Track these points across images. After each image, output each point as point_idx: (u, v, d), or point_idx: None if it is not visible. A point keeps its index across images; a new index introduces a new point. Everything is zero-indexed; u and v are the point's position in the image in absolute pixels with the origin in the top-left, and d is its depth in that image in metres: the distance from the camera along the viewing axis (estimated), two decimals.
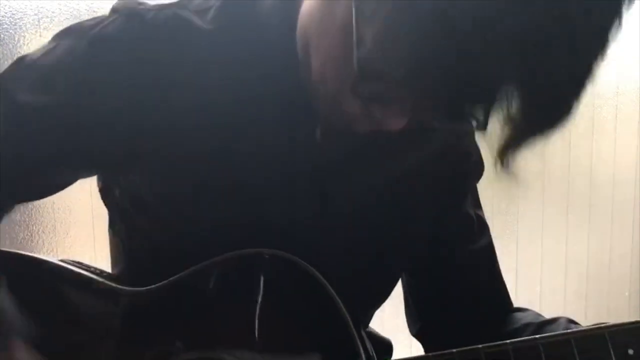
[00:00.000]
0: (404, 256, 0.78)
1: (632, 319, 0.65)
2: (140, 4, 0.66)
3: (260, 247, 0.66)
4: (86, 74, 0.63)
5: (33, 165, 0.65)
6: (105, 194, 0.74)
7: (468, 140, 0.80)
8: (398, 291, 0.88)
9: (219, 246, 0.66)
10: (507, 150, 0.54)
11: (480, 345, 0.62)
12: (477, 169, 0.82)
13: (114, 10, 0.66)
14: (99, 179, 0.74)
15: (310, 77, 0.61)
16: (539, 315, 0.83)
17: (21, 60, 0.66)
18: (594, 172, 2.36)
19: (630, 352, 0.61)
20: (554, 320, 0.79)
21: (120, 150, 0.66)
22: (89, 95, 0.63)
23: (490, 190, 2.26)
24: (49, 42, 0.66)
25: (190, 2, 0.66)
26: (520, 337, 0.78)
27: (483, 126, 0.53)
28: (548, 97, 0.50)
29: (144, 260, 0.72)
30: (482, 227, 0.84)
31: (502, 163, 0.55)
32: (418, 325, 0.87)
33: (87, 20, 0.67)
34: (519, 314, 0.84)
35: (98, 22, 0.65)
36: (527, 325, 0.80)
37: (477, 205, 0.84)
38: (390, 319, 0.96)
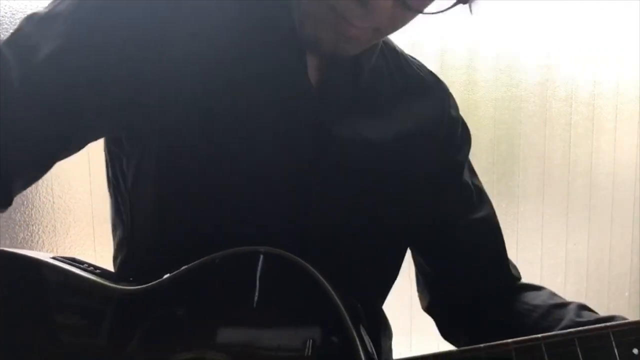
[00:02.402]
0: (405, 225, 0.78)
1: (633, 319, 0.64)
2: None
3: (258, 220, 0.66)
4: (97, 21, 0.63)
5: (49, 122, 0.64)
6: (113, 182, 0.74)
7: (455, 110, 0.82)
8: (398, 292, 0.87)
9: (217, 224, 0.66)
10: None
11: (482, 345, 0.62)
12: (467, 137, 0.84)
13: None
14: (106, 168, 0.74)
15: None
16: (553, 295, 0.83)
17: (31, 17, 0.65)
18: (594, 172, 2.36)
19: (635, 351, 0.60)
20: (564, 305, 0.79)
21: (129, 101, 0.66)
22: (100, 43, 0.63)
23: (490, 190, 2.26)
24: None
25: None
26: (527, 318, 0.79)
27: None
28: None
29: (147, 250, 0.71)
30: (481, 196, 0.85)
31: None
32: (428, 299, 0.87)
33: None
34: (531, 293, 0.84)
35: None
36: (537, 307, 0.80)
37: (474, 174, 0.86)
38: (390, 320, 0.96)
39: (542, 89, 2.19)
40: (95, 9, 0.64)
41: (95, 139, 0.71)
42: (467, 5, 0.62)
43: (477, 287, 0.83)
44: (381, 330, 0.82)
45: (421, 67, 0.81)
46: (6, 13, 1.27)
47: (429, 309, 0.88)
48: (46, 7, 0.66)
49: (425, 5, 0.63)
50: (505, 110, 2.12)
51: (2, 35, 1.27)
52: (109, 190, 0.76)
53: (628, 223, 2.49)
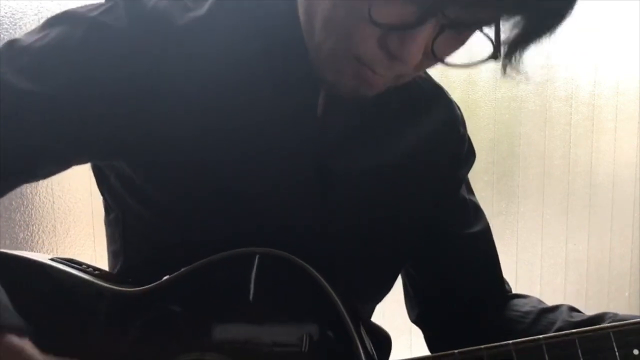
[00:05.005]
0: (403, 242, 0.78)
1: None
2: None
3: (258, 232, 0.66)
4: (82, 62, 0.61)
5: (24, 151, 0.62)
6: (101, 180, 0.73)
7: (463, 126, 0.81)
8: (398, 291, 0.88)
9: (216, 232, 0.66)
10: (515, 49, 0.58)
11: (482, 346, 0.62)
12: (471, 156, 0.83)
13: None
14: (93, 165, 0.73)
15: (313, 40, 0.61)
16: (540, 302, 0.83)
17: (13, 43, 0.63)
18: (594, 172, 2.37)
19: (636, 352, 0.60)
20: (554, 308, 0.80)
21: (114, 137, 0.64)
22: (85, 84, 0.62)
23: (490, 190, 2.27)
24: (42, 27, 0.64)
25: None
26: (520, 325, 0.79)
27: (496, 53, 0.58)
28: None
29: (141, 250, 0.71)
30: (477, 212, 0.85)
31: (510, 61, 0.59)
32: (417, 311, 0.87)
33: (82, 7, 0.65)
34: (520, 300, 0.84)
35: (95, 7, 0.64)
36: (528, 312, 0.81)
37: (470, 191, 0.86)
38: (390, 320, 0.96)
39: (542, 89, 2.19)
40: (79, 44, 0.62)
41: (78, 163, 0.69)
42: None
43: (469, 299, 0.83)
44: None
45: (426, 81, 0.78)
46: (6, 13, 1.27)
47: (418, 320, 0.88)
48: (31, 34, 0.64)
49: (453, 54, 0.62)
50: (505, 110, 2.12)
51: (2, 35, 1.27)
52: (103, 204, 0.76)
53: (628, 223, 2.49)
